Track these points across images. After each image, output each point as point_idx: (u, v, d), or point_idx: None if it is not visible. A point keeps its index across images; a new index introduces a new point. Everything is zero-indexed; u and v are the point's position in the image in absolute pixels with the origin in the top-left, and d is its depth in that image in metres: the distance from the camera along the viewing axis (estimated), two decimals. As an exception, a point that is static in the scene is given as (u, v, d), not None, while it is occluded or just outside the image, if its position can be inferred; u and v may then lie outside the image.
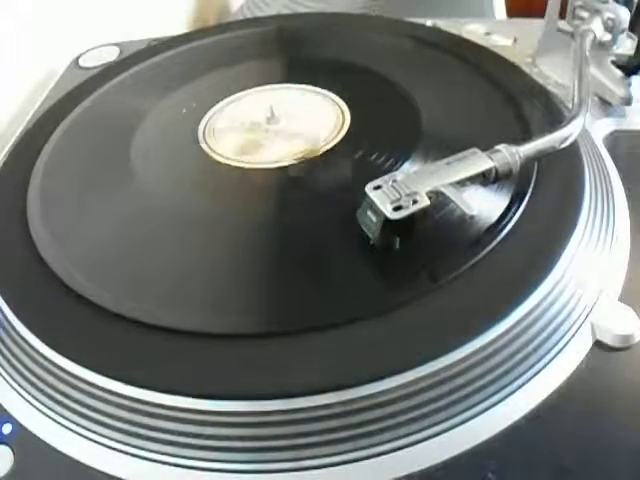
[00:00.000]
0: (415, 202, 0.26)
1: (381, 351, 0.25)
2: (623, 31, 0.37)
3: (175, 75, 0.43)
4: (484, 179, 0.28)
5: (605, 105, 0.38)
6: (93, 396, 0.26)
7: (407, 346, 0.25)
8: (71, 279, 0.29)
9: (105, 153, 0.37)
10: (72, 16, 0.54)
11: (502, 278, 0.27)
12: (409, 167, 0.32)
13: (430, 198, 0.27)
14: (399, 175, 0.28)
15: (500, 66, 0.39)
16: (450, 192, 0.27)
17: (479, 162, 0.28)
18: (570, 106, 0.33)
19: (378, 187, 0.27)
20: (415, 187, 0.27)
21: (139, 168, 0.35)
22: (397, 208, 0.26)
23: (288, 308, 0.27)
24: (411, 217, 0.26)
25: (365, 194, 0.27)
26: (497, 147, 0.29)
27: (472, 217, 0.28)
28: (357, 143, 0.34)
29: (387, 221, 0.26)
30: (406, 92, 0.38)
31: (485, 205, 0.29)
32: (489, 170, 0.28)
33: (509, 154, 0.28)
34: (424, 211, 0.27)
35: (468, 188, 0.28)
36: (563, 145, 0.30)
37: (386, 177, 0.28)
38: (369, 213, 0.27)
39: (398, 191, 0.27)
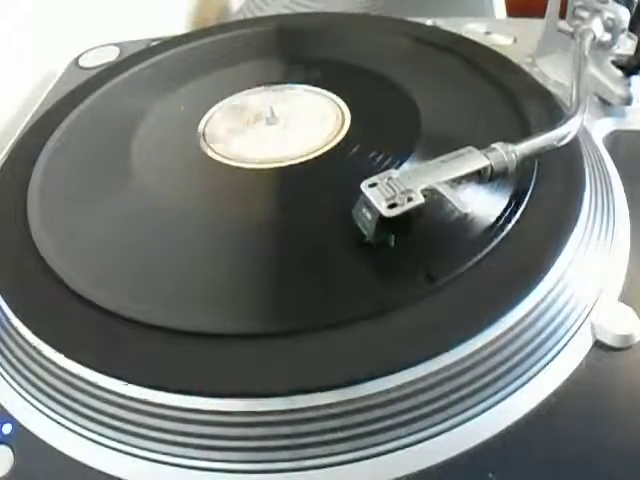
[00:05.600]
0: (410, 200, 0.26)
1: (381, 351, 0.25)
2: (623, 31, 0.37)
3: (175, 75, 0.43)
4: (480, 177, 0.28)
5: (605, 105, 0.38)
6: (93, 396, 0.26)
7: (406, 346, 0.25)
8: (71, 279, 0.29)
9: (105, 153, 0.37)
10: (72, 16, 0.54)
11: (502, 278, 0.27)
12: (409, 167, 0.32)
13: (425, 196, 0.27)
14: (395, 173, 0.28)
15: (500, 65, 0.39)
16: (445, 190, 0.27)
17: (475, 160, 0.28)
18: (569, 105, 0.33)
19: (373, 184, 0.27)
20: (410, 185, 0.27)
21: (139, 168, 0.35)
22: (392, 206, 0.26)
23: (287, 308, 0.27)
24: (406, 215, 0.26)
25: (361, 191, 0.27)
26: (493, 145, 0.29)
27: (466, 215, 0.28)
28: (357, 143, 0.34)
29: (382, 218, 0.26)
30: (406, 92, 0.38)
31: (485, 204, 0.29)
32: (485, 168, 0.28)
33: (505, 152, 0.28)
34: (419, 209, 0.27)
35: (465, 186, 0.28)
36: (561, 144, 0.30)
37: (382, 175, 0.28)
38: (364, 210, 0.27)
39: (393, 189, 0.27)
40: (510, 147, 0.29)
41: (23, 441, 0.26)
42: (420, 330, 0.25)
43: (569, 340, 0.26)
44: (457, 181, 0.28)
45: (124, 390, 0.25)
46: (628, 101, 0.38)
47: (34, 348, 0.27)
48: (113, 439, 0.25)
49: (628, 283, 0.29)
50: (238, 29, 0.47)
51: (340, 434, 0.24)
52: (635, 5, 0.37)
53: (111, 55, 0.50)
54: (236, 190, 0.33)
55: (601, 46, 0.38)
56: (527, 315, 0.26)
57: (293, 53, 0.44)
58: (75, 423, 0.26)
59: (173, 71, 0.43)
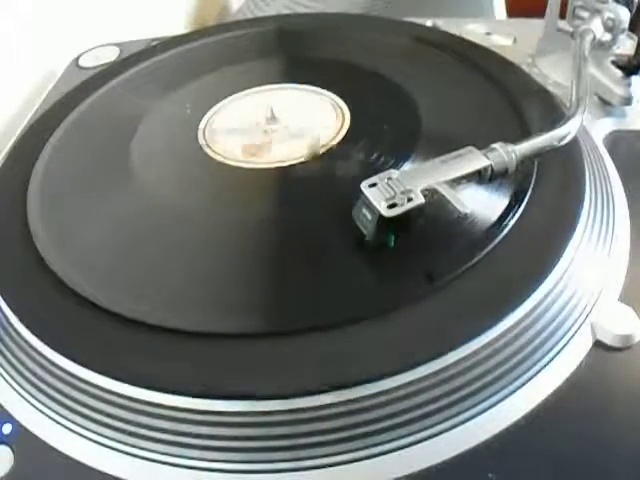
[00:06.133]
0: (410, 200, 0.26)
1: (381, 351, 0.25)
2: (623, 31, 0.37)
3: (175, 75, 0.43)
4: (480, 177, 0.28)
5: (605, 105, 0.38)
6: (93, 396, 0.26)
7: (407, 346, 0.25)
8: (71, 279, 0.29)
9: (105, 153, 0.37)
10: (72, 16, 0.54)
11: (502, 278, 0.27)
12: (409, 167, 0.32)
13: (425, 196, 0.27)
14: (394, 173, 0.28)
15: (500, 66, 0.39)
16: (445, 190, 0.27)
17: (475, 160, 0.28)
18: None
19: (373, 184, 0.27)
20: (410, 185, 0.27)
21: (139, 168, 0.35)
22: (392, 206, 0.26)
23: (288, 308, 0.27)
24: (406, 215, 0.26)
25: (361, 191, 0.27)
26: (493, 145, 0.29)
27: (466, 215, 0.28)
28: (357, 143, 0.34)
29: (382, 218, 0.26)
30: (406, 92, 0.38)
31: (485, 205, 0.29)
32: (485, 168, 0.28)
33: (505, 152, 0.28)
34: (419, 209, 0.27)
35: (465, 186, 0.28)
36: (560, 143, 0.30)
37: (381, 175, 0.28)
38: (364, 210, 0.27)
39: (393, 189, 0.27)
40: (510, 147, 0.29)
41: (23, 441, 0.26)
42: (420, 331, 0.25)
43: (569, 340, 0.26)
44: (457, 181, 0.28)
45: (123, 390, 0.25)
46: (628, 101, 0.38)
47: (34, 348, 0.27)
48: (113, 439, 0.25)
49: (628, 283, 0.29)
50: (238, 29, 0.47)
51: (340, 434, 0.24)
52: (635, 5, 0.37)
53: (111, 55, 0.50)
54: (236, 190, 0.33)
55: (601, 46, 0.38)
56: (527, 315, 0.26)
57: (293, 53, 0.44)
58: (75, 423, 0.26)
59: (173, 71, 0.43)
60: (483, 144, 0.29)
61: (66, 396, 0.26)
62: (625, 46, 0.38)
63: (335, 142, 0.35)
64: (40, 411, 0.27)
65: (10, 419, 0.27)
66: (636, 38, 0.38)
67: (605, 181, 0.33)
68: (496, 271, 0.27)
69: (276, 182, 0.33)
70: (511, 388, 0.25)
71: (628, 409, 0.25)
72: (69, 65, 0.50)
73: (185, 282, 0.29)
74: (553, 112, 0.34)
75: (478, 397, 0.24)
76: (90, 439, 0.25)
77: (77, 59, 0.50)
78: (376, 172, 0.28)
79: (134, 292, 0.28)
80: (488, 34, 0.47)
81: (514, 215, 0.29)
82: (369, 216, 0.27)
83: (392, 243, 0.28)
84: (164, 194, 0.33)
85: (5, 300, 0.29)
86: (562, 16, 0.41)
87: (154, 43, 0.48)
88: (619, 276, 0.29)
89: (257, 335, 0.26)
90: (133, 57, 0.46)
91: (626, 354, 0.26)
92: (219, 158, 0.35)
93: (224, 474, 0.24)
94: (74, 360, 0.26)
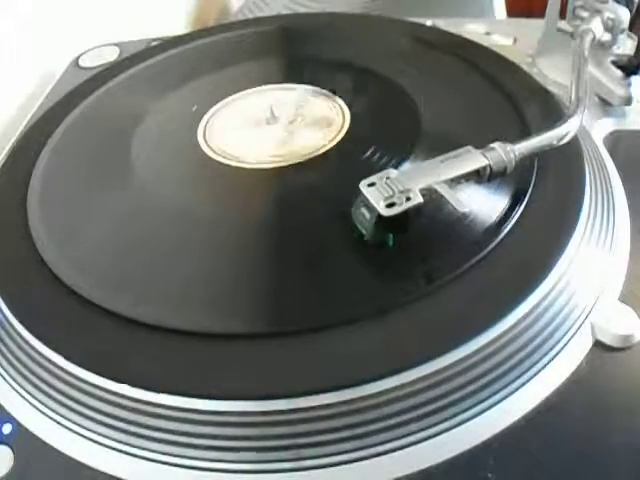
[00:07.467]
0: (408, 199, 0.26)
1: (381, 351, 0.25)
2: (623, 31, 0.37)
3: (175, 75, 0.43)
4: (479, 177, 0.28)
5: (605, 105, 0.38)
6: (93, 396, 0.26)
7: (407, 346, 0.25)
8: (71, 279, 0.29)
9: (105, 153, 0.37)
10: (72, 16, 0.54)
11: (502, 278, 0.27)
12: (408, 166, 0.32)
13: (424, 195, 0.27)
14: (393, 172, 0.28)
15: (500, 65, 0.39)
16: (443, 189, 0.27)
17: (473, 160, 0.28)
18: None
19: (372, 184, 0.27)
20: (409, 184, 0.27)
21: (139, 168, 0.35)
22: (390, 205, 0.26)
23: (288, 308, 0.27)
24: (405, 214, 0.26)
25: (359, 191, 0.27)
26: (492, 145, 0.29)
27: (465, 214, 0.28)
28: (357, 143, 0.34)
29: (380, 218, 0.26)
30: (406, 92, 0.38)
31: (485, 204, 0.29)
32: (483, 168, 0.28)
33: (504, 152, 0.28)
34: (418, 208, 0.27)
35: (464, 186, 0.28)
36: (560, 143, 0.30)
37: (380, 174, 0.28)
38: (363, 210, 0.27)
39: (392, 188, 0.27)
40: (509, 147, 0.29)
41: (23, 441, 0.26)
42: (420, 330, 0.25)
43: (569, 340, 0.26)
44: (456, 181, 0.28)
45: (123, 390, 0.25)
46: (628, 101, 0.38)
47: (34, 348, 0.27)
48: (113, 439, 0.25)
49: (628, 283, 0.29)
50: (238, 29, 0.47)
51: (340, 434, 0.24)
52: (635, 5, 0.37)
53: (111, 55, 0.50)
54: (236, 190, 0.33)
55: (601, 46, 0.38)
56: (527, 315, 0.26)
57: (293, 53, 0.44)
58: (75, 423, 0.26)
59: (173, 71, 0.43)
60: (482, 144, 0.29)
61: (66, 396, 0.26)
62: (625, 46, 0.38)
63: (335, 142, 0.35)
64: (40, 411, 0.27)
65: (10, 419, 0.27)
66: (636, 38, 0.38)
67: (605, 181, 0.33)
68: (495, 271, 0.27)
69: (276, 182, 0.33)
70: (511, 388, 0.25)
71: (628, 409, 0.25)
72: (69, 65, 0.50)
73: (185, 282, 0.29)
74: (553, 112, 0.34)
75: (478, 397, 0.24)
76: (90, 439, 0.25)
77: (77, 59, 0.50)
78: (377, 172, 0.28)
79: (134, 292, 0.28)
80: (488, 34, 0.47)
81: (513, 215, 0.29)
82: (368, 215, 0.27)
83: (391, 242, 0.28)
84: (164, 194, 0.33)
85: (5, 300, 0.29)
86: (562, 16, 0.41)
87: (154, 43, 0.48)
88: (619, 276, 0.29)
89: (257, 335, 0.26)
90: (133, 57, 0.46)
91: (626, 354, 0.26)
92: (219, 158, 0.35)
93: (224, 474, 0.24)
94: (73, 360, 0.26)
